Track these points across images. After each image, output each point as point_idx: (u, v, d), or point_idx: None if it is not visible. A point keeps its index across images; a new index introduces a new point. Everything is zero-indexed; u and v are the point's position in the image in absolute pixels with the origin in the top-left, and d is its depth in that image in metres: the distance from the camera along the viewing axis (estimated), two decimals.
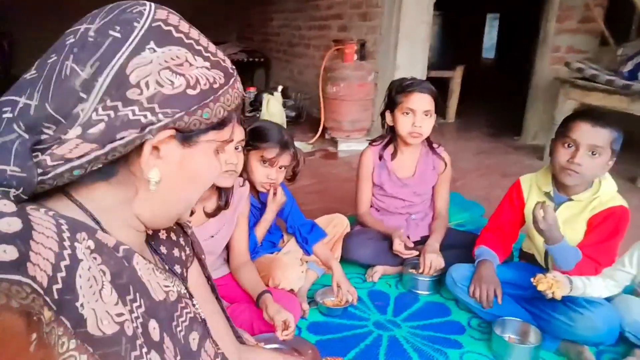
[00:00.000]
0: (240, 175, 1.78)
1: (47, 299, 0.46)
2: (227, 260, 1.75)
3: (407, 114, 1.99)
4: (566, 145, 1.60)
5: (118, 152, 0.58)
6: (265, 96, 4.44)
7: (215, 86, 0.62)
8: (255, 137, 1.70)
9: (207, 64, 0.62)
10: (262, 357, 0.99)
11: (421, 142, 2.10)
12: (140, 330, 0.59)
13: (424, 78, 4.14)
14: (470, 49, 9.86)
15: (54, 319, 0.47)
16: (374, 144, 2.19)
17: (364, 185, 2.18)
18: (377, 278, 2.05)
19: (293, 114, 5.05)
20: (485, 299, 1.69)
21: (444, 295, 1.96)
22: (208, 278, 0.92)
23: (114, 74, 0.56)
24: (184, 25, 0.62)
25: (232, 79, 0.65)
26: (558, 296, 1.51)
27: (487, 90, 7.85)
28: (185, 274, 0.84)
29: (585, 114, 1.65)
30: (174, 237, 0.83)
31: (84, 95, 0.56)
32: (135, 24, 0.58)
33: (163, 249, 0.79)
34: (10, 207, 0.49)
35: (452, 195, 2.88)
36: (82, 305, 0.50)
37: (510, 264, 1.90)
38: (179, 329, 0.70)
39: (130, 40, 0.57)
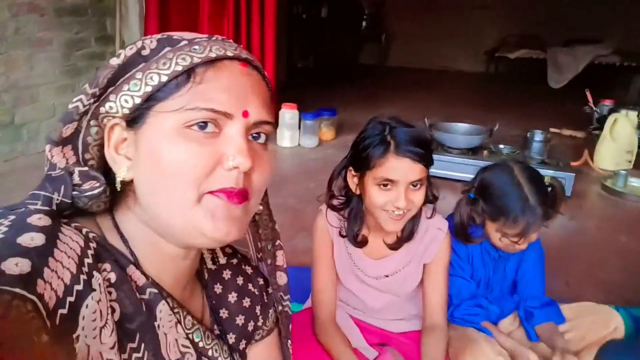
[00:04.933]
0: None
1: (48, 322, 0.42)
2: None
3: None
4: None
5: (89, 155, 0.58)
6: (614, 115, 3.48)
7: (144, 52, 0.56)
8: (492, 207, 1.34)
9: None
10: None
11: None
12: None
13: None
14: None
15: (48, 346, 0.41)
16: None
17: None
18: None
19: None
20: None
21: None
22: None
23: None
24: None
25: (178, 43, 0.56)
26: None
27: None
28: (242, 347, 0.72)
29: None
30: (246, 303, 0.73)
31: None
32: None
33: (224, 313, 0.70)
34: (45, 221, 0.48)
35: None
36: (77, 337, 0.46)
37: None
38: None
39: None
